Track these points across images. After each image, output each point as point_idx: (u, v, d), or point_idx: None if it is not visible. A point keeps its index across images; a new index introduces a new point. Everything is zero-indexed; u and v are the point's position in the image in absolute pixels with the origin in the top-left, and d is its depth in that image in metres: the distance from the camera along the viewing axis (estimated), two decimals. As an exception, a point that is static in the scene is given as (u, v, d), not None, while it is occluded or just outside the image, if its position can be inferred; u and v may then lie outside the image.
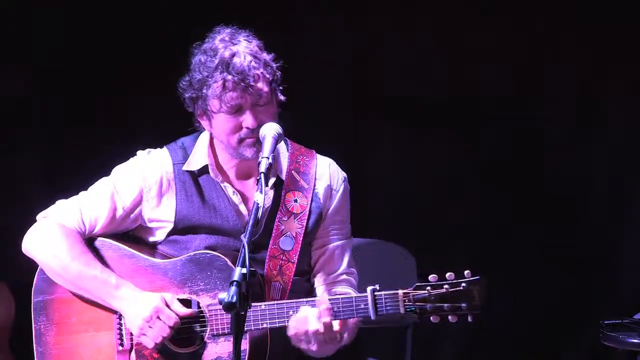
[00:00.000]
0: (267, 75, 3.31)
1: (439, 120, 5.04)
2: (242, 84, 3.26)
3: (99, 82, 4.85)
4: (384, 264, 4.17)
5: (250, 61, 3.28)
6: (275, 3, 4.97)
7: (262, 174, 3.13)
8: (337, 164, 3.56)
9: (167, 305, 3.30)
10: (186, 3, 4.93)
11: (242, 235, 2.98)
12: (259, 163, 3.17)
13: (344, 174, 3.54)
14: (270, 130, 3.27)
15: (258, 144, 3.32)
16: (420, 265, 4.20)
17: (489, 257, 4.97)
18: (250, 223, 3.02)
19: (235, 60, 3.28)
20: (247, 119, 3.30)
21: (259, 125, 3.30)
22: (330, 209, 3.49)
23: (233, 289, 2.84)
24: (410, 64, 5.01)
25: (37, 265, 3.45)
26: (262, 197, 3.08)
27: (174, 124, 3.91)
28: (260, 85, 3.29)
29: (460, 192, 5.05)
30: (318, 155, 3.54)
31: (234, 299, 2.83)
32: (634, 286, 4.95)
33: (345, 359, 3.57)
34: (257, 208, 3.05)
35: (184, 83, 3.39)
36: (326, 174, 3.51)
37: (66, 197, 3.53)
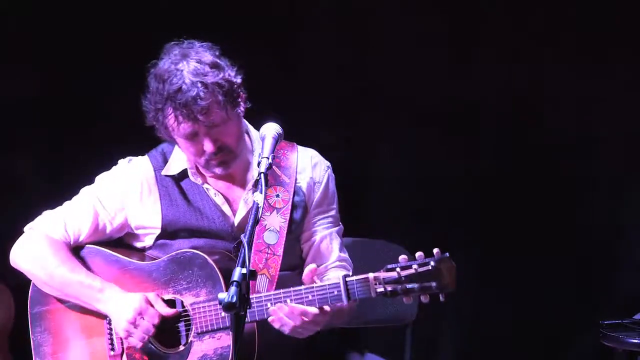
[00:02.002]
0: (219, 98, 3.29)
1: (439, 121, 5.04)
2: (192, 115, 3.27)
3: (100, 82, 4.84)
4: (383, 264, 4.16)
5: (197, 93, 3.26)
6: (274, 3, 4.97)
7: (262, 174, 3.13)
8: (336, 163, 3.57)
9: (151, 305, 3.31)
10: (187, 4, 4.92)
11: (242, 236, 2.97)
12: (259, 163, 3.17)
13: (327, 163, 3.56)
14: (270, 130, 3.26)
15: (229, 157, 3.36)
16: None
17: (488, 257, 4.97)
18: (251, 223, 3.02)
19: (180, 94, 3.26)
20: (206, 144, 3.32)
21: (221, 147, 3.32)
22: (315, 200, 3.50)
23: (233, 289, 2.84)
24: (411, 63, 5.01)
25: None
26: (262, 197, 3.08)
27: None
28: (208, 114, 3.28)
29: (460, 192, 5.04)
30: (299, 147, 3.55)
31: (234, 299, 2.83)
32: (634, 286, 4.95)
33: (346, 357, 3.58)
34: (257, 208, 3.05)
35: (145, 104, 3.38)
36: (308, 166, 3.52)
37: (65, 197, 3.55)
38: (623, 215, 5.04)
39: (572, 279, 5.02)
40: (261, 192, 3.09)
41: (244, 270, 2.88)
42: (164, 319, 3.31)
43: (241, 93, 3.38)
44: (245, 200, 3.45)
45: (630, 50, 4.91)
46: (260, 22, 4.95)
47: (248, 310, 3.15)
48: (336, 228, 3.55)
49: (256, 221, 3.04)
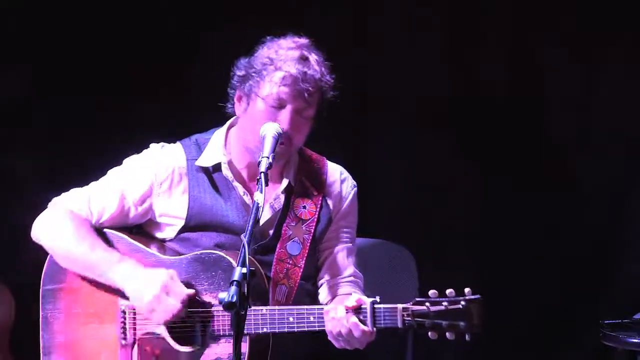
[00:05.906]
0: (322, 97, 3.34)
1: (439, 120, 5.04)
2: (298, 86, 3.27)
3: (100, 82, 4.85)
4: (384, 264, 4.17)
5: (316, 72, 3.30)
6: (273, 2, 4.98)
7: (262, 174, 3.12)
8: (336, 163, 3.58)
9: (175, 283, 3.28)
10: (187, 3, 4.93)
11: (242, 235, 2.97)
12: (259, 163, 3.17)
13: (354, 182, 3.58)
14: (270, 129, 3.27)
15: (285, 153, 3.34)
16: (420, 266, 4.19)
17: (488, 257, 4.97)
18: (250, 222, 3.02)
19: (304, 63, 3.29)
20: (284, 119, 3.30)
21: (290, 136, 3.31)
22: (340, 211, 3.51)
23: (233, 288, 2.84)
24: (411, 63, 5.01)
25: (38, 265, 3.47)
26: (262, 196, 3.08)
27: (174, 124, 3.92)
28: (307, 100, 3.29)
29: (461, 191, 5.04)
30: (329, 163, 3.56)
31: (234, 299, 2.83)
32: (634, 286, 4.95)
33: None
34: (257, 208, 3.05)
35: (244, 61, 3.38)
36: (337, 180, 3.53)
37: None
38: (623, 215, 5.04)
39: (572, 279, 5.02)
40: (261, 192, 3.09)
41: (244, 270, 2.88)
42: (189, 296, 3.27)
43: (324, 114, 3.39)
44: (271, 205, 3.44)
45: (630, 50, 4.92)
46: (258, 21, 4.95)
47: (269, 320, 3.20)
48: (353, 245, 3.56)
49: (256, 221, 3.03)
